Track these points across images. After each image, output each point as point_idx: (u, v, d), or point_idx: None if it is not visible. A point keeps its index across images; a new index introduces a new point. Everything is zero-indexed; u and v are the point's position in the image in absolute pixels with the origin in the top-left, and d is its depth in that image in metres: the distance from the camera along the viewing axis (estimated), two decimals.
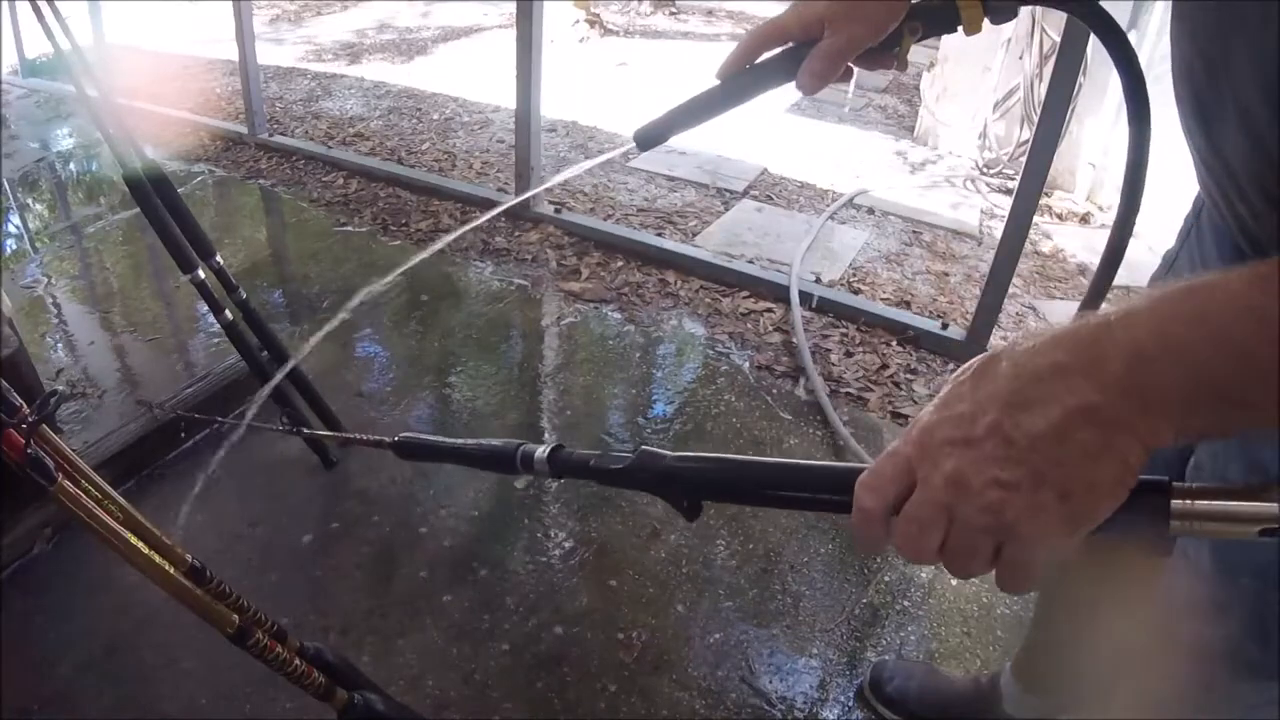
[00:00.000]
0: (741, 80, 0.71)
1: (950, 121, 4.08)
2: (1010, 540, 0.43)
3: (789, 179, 3.70)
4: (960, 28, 0.64)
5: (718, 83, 0.71)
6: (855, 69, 0.69)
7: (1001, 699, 1.31)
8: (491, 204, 3.14)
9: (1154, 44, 3.24)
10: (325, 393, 1.90)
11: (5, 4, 3.45)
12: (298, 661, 0.99)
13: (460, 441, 0.74)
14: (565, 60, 5.31)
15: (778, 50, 0.69)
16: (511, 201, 1.46)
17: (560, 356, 2.43)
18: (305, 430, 1.68)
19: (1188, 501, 0.42)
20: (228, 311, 1.66)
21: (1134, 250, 0.75)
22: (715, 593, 1.66)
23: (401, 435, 0.77)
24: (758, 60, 0.70)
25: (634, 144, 0.75)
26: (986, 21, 0.63)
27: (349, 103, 4.44)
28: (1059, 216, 3.53)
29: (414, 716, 1.20)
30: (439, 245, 1.70)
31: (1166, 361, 0.38)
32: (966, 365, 0.45)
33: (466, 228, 2.45)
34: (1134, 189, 0.62)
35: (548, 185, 3.09)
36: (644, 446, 0.58)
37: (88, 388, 2.13)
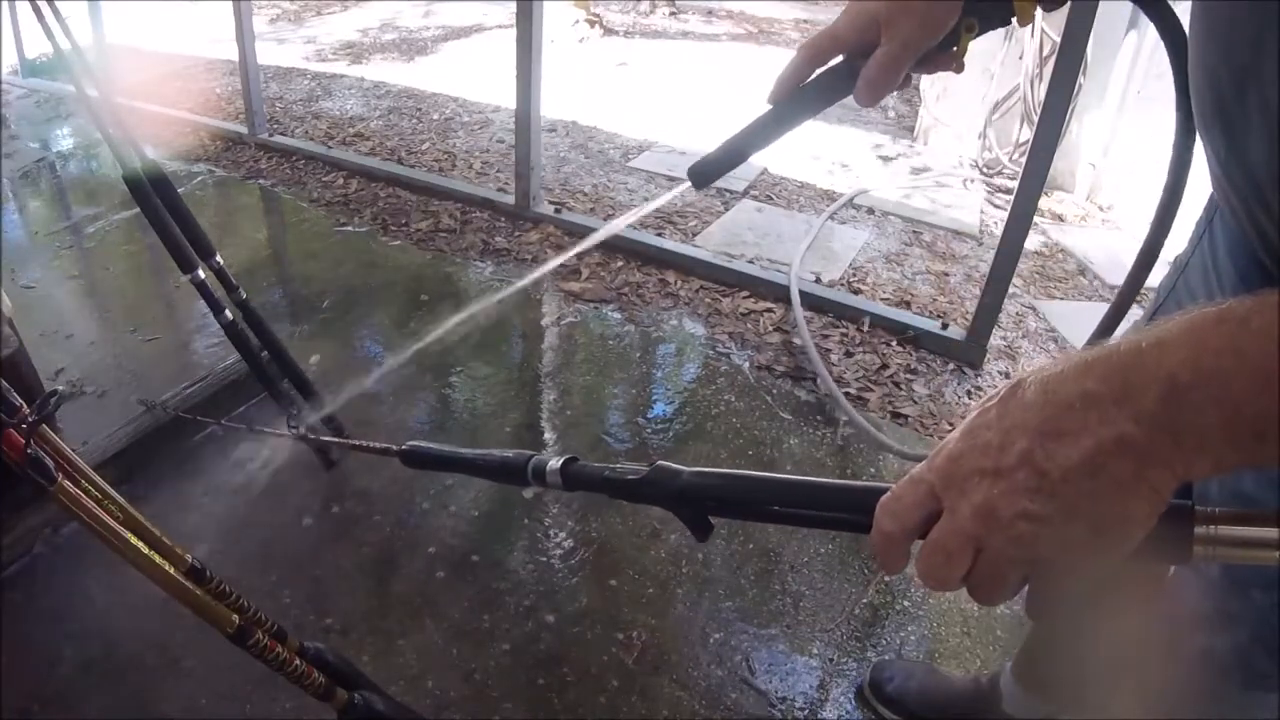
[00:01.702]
0: (796, 100, 0.68)
1: (950, 121, 4.07)
2: (1039, 571, 0.42)
3: (789, 179, 3.70)
4: (1014, 20, 0.62)
5: (770, 107, 0.68)
6: (913, 76, 0.67)
7: (1001, 699, 1.31)
8: (491, 204, 3.15)
9: (1154, 43, 3.24)
10: (324, 392, 1.90)
11: (5, 4, 3.45)
12: (298, 661, 0.99)
13: (469, 452, 0.72)
14: (565, 60, 5.31)
15: (831, 64, 0.66)
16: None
17: (560, 356, 2.43)
18: (311, 435, 1.68)
19: (1210, 528, 0.41)
20: (228, 311, 1.65)
21: (1135, 251, 0.75)
22: (715, 593, 1.66)
23: (409, 444, 0.76)
24: (811, 76, 0.67)
25: (689, 181, 0.72)
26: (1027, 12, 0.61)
27: (349, 103, 4.44)
28: (1059, 217, 3.53)
29: (414, 716, 1.20)
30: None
31: (1201, 394, 0.37)
32: (993, 392, 0.44)
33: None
34: (1174, 192, 0.61)
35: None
36: (659, 461, 0.57)
37: (88, 388, 2.13)
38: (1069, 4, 1.34)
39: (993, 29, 0.64)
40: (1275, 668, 0.76)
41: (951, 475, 0.43)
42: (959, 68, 0.66)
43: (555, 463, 0.63)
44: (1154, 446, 0.38)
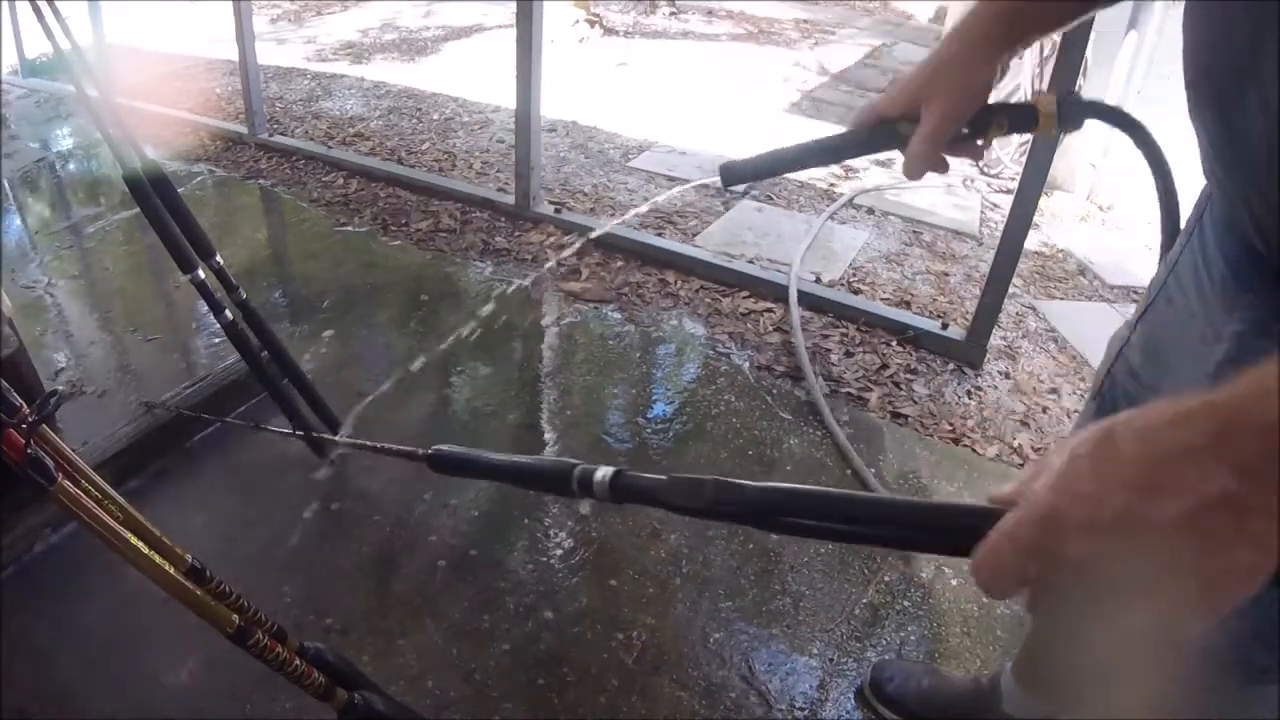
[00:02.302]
0: (838, 141, 0.76)
1: None
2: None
3: (789, 179, 3.70)
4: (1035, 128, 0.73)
5: (813, 139, 0.76)
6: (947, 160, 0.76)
7: (1001, 699, 1.31)
8: (491, 204, 3.15)
9: (1154, 43, 3.24)
10: (325, 393, 1.90)
11: (5, 4, 3.45)
12: (298, 661, 0.99)
13: (503, 457, 0.67)
14: (565, 60, 5.31)
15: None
16: None
17: (560, 356, 2.43)
18: (328, 435, 1.67)
19: None
20: (228, 311, 1.66)
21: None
22: (715, 593, 1.66)
23: (435, 448, 0.71)
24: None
25: (719, 177, 0.79)
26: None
27: (349, 103, 4.44)
28: (1059, 216, 3.53)
29: (414, 716, 1.21)
30: None
31: None
32: (1082, 437, 0.43)
33: None
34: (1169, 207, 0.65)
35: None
36: (716, 477, 0.53)
37: (88, 388, 2.13)
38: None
39: (1018, 132, 0.75)
40: (1275, 663, 0.76)
41: (1047, 529, 0.42)
42: (980, 156, 0.79)
43: (603, 474, 0.57)
44: (1257, 500, 0.38)
